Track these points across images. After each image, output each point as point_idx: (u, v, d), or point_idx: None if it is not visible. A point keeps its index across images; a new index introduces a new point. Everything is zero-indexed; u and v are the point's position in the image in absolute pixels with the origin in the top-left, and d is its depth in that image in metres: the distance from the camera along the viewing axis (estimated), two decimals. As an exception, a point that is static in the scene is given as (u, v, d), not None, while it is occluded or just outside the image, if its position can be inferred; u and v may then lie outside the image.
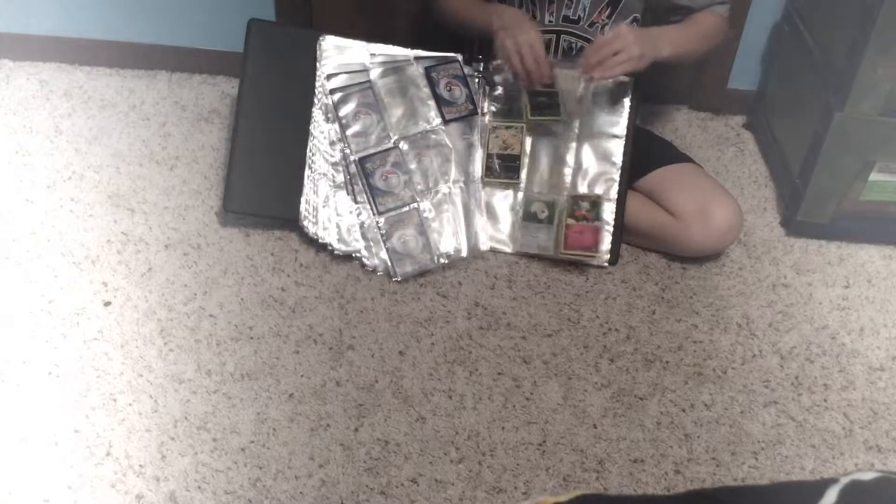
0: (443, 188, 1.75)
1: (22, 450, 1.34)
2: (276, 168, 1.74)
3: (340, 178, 1.73)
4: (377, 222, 1.71)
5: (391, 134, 1.75)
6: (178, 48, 2.19)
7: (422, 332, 1.58)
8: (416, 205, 1.73)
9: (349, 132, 1.73)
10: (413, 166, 1.74)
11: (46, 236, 1.71)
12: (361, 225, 1.71)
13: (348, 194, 1.73)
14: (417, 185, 1.74)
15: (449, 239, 1.73)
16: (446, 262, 1.71)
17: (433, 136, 1.76)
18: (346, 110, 1.74)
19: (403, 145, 1.75)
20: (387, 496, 1.31)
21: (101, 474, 1.31)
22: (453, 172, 1.75)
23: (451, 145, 1.76)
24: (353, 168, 1.72)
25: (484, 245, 1.75)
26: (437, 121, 1.76)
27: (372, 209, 1.71)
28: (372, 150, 1.73)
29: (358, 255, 1.70)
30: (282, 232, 1.76)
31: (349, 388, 1.47)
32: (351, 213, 1.72)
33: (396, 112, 1.75)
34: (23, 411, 1.39)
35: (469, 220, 1.75)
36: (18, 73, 2.17)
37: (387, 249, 1.69)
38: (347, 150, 1.73)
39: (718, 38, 1.77)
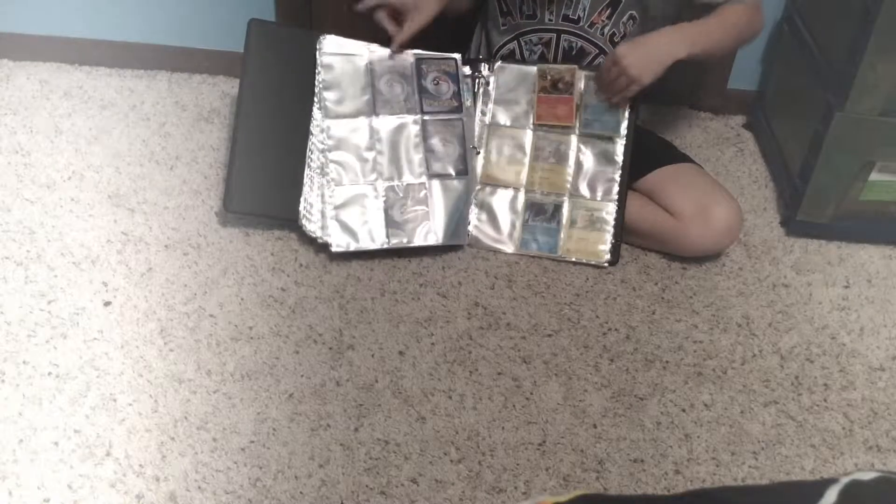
0: (414, 179, 1.74)
1: (22, 450, 1.34)
2: (275, 168, 1.74)
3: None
4: (332, 196, 1.72)
5: (369, 110, 1.75)
6: (178, 48, 2.19)
7: (422, 332, 1.58)
8: (372, 186, 1.73)
9: (326, 94, 1.74)
10: (383, 148, 1.74)
11: (46, 236, 1.71)
12: (326, 202, 1.72)
13: (321, 175, 1.73)
14: (380, 166, 1.74)
15: (419, 229, 1.73)
16: (389, 246, 1.71)
17: (410, 127, 1.76)
18: (329, 75, 1.74)
19: (379, 125, 1.75)
20: (387, 496, 1.31)
21: (101, 474, 1.31)
22: (433, 166, 1.75)
23: (428, 138, 1.76)
24: (321, 136, 1.73)
25: (465, 238, 1.75)
26: (416, 114, 1.76)
27: (321, 174, 1.73)
28: (351, 124, 1.74)
29: (319, 236, 1.71)
30: (282, 232, 1.76)
31: (349, 388, 1.47)
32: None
33: (382, 96, 1.75)
34: (23, 411, 1.39)
35: (451, 213, 1.74)
36: (18, 73, 2.17)
37: (336, 221, 1.70)
38: (318, 110, 1.74)
39: (748, 28, 1.73)
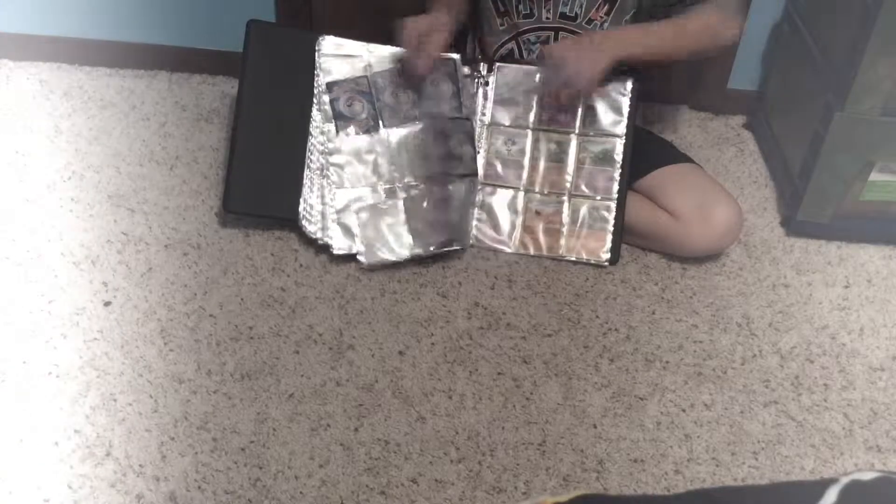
0: (426, 184, 1.74)
1: (22, 450, 1.34)
2: (275, 168, 1.74)
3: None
4: (333, 200, 1.72)
5: (380, 123, 1.75)
6: (178, 48, 2.19)
7: (422, 332, 1.58)
8: (386, 194, 1.73)
9: (334, 114, 1.74)
10: (395, 156, 1.74)
11: (46, 236, 1.71)
12: (327, 204, 1.72)
13: (322, 177, 1.73)
14: (391, 175, 1.74)
15: (432, 235, 1.72)
16: (411, 257, 1.71)
17: (413, 130, 1.76)
18: (334, 87, 1.74)
19: (389, 135, 1.75)
20: (387, 496, 1.31)
21: (101, 474, 1.31)
22: (443, 168, 1.75)
23: (433, 140, 1.76)
24: (321, 138, 1.74)
25: (470, 240, 1.76)
26: (422, 118, 1.76)
27: (321, 175, 1.73)
28: (356, 132, 1.74)
29: (320, 237, 1.71)
30: (282, 232, 1.76)
31: (349, 388, 1.47)
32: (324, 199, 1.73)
33: (388, 105, 1.75)
34: (23, 411, 1.39)
35: (459, 215, 1.74)
36: (18, 73, 2.17)
37: (338, 224, 1.71)
38: (318, 111, 1.74)
39: (711, 39, 1.70)
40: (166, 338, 1.53)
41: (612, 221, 1.75)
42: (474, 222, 1.77)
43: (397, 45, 1.76)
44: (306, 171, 1.74)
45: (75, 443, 1.35)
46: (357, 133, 1.74)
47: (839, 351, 1.61)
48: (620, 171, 1.75)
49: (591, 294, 1.69)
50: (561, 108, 1.77)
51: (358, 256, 1.70)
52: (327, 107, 1.74)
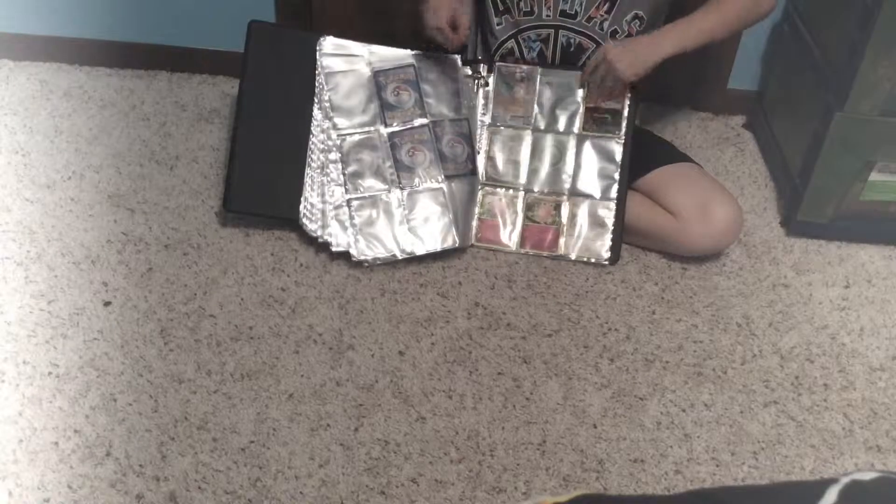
0: (426, 184, 1.74)
1: (22, 450, 1.34)
2: (276, 168, 1.74)
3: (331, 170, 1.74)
4: (346, 200, 1.72)
5: (378, 120, 1.75)
6: (178, 48, 2.19)
7: (422, 332, 1.58)
8: (387, 193, 1.73)
9: (335, 113, 1.74)
10: (394, 154, 1.74)
11: (46, 236, 1.71)
12: (327, 201, 1.72)
13: (322, 175, 1.73)
14: (391, 174, 1.74)
15: (432, 235, 1.72)
16: (410, 255, 1.70)
17: (417, 133, 1.76)
18: (335, 86, 1.74)
19: (389, 133, 1.75)
20: (387, 496, 1.31)
21: (101, 474, 1.31)
22: (441, 169, 1.75)
23: (432, 140, 1.75)
24: (321, 136, 1.74)
25: (470, 240, 1.76)
26: (422, 118, 1.76)
27: (344, 187, 1.72)
28: (356, 130, 1.74)
29: (320, 236, 1.71)
30: (282, 232, 1.76)
31: (349, 388, 1.47)
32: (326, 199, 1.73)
33: (389, 104, 1.75)
34: (23, 411, 1.39)
35: (462, 215, 1.74)
36: (18, 73, 2.17)
37: (337, 221, 1.70)
38: (328, 125, 1.74)
39: (750, 12, 1.70)
40: (166, 338, 1.53)
41: (611, 221, 1.75)
42: (474, 222, 1.77)
43: (398, 46, 1.76)
44: (307, 170, 1.74)
45: (75, 443, 1.35)
46: (358, 128, 1.74)
47: (839, 351, 1.61)
48: (620, 170, 1.75)
49: (591, 294, 1.69)
50: (560, 108, 1.77)
51: (350, 251, 1.69)
52: (327, 105, 1.74)
